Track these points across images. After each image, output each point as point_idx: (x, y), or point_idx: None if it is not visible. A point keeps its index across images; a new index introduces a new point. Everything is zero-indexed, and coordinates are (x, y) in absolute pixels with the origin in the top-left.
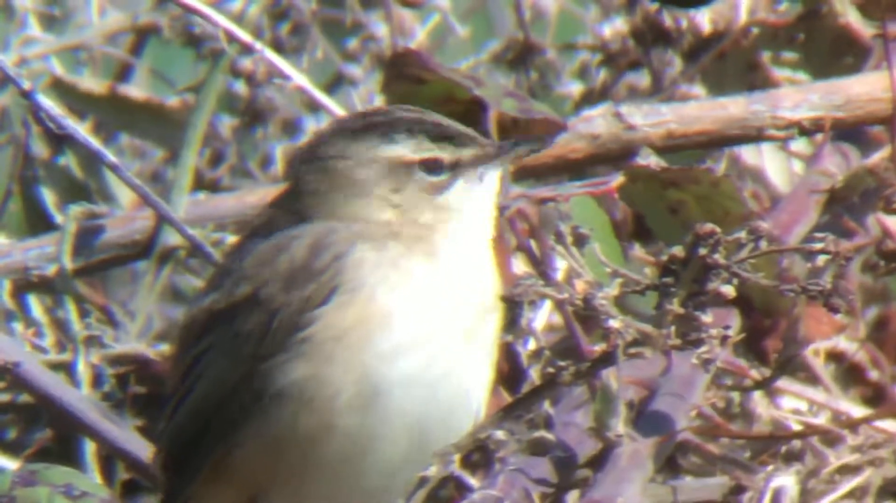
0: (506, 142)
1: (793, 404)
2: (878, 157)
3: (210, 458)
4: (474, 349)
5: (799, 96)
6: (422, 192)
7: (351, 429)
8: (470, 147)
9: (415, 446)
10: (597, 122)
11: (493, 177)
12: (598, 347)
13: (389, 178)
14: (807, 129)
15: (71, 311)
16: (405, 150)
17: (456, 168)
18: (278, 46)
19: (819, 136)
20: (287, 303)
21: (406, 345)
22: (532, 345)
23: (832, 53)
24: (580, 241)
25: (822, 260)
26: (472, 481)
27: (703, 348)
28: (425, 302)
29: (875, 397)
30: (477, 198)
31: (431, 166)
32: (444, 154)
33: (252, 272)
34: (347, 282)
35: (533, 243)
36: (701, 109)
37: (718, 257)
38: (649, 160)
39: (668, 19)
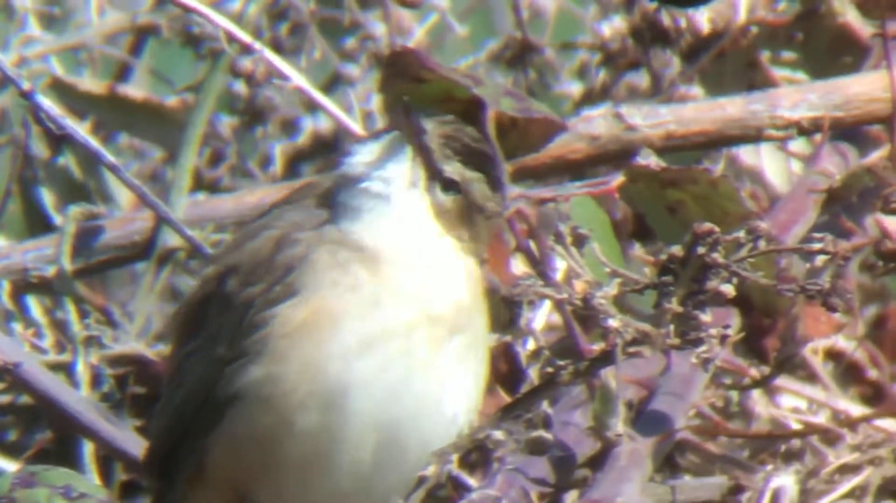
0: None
1: (792, 403)
2: (877, 156)
3: (190, 460)
4: (444, 359)
5: (797, 96)
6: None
7: (310, 428)
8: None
9: (384, 449)
10: (596, 122)
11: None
12: (597, 347)
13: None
14: (805, 129)
15: (70, 312)
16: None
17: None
18: (277, 46)
19: (818, 136)
20: (250, 301)
21: (356, 347)
22: (531, 344)
23: (831, 53)
24: (579, 241)
25: (820, 259)
26: (471, 481)
27: (703, 347)
28: (373, 309)
29: (874, 396)
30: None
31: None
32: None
33: (221, 255)
34: (304, 283)
35: (532, 243)
36: (700, 110)
37: (717, 256)
38: (649, 160)
39: (666, 19)
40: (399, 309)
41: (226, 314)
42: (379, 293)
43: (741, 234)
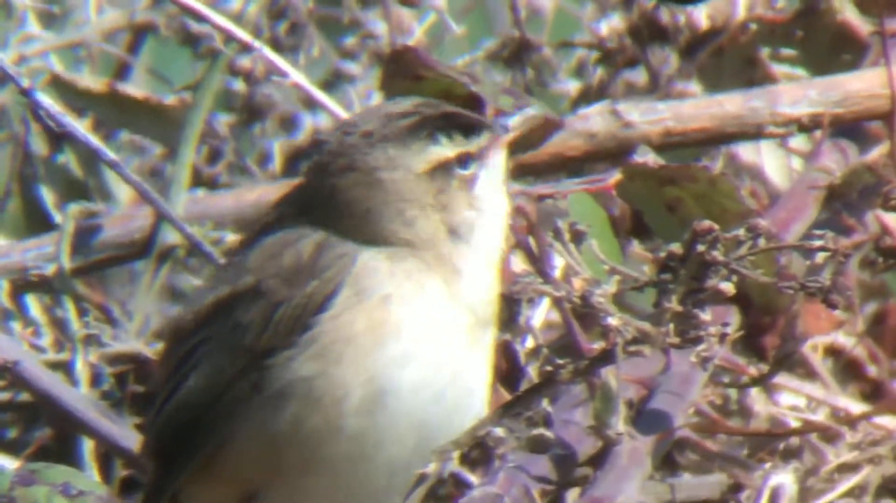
0: (503, 117)
1: (791, 400)
2: (877, 153)
3: (201, 452)
4: (476, 353)
5: (797, 93)
6: (459, 189)
7: (357, 431)
8: (485, 133)
9: (420, 447)
10: (594, 119)
11: (499, 158)
12: (597, 345)
13: (435, 181)
14: (805, 126)
15: (69, 311)
16: (446, 149)
17: (478, 158)
18: (276, 44)
19: (817, 133)
20: (289, 297)
21: (414, 353)
22: (530, 342)
23: (830, 50)
24: (578, 238)
25: (820, 257)
26: (472, 478)
27: (702, 346)
28: (435, 315)
29: (873, 393)
30: (494, 184)
31: (463, 160)
32: (471, 146)
33: (256, 264)
34: (355, 284)
35: (531, 240)
36: (698, 107)
37: (717, 254)
38: (647, 157)
39: (665, 16)
40: (458, 315)
41: (255, 307)
42: (446, 303)
43: (741, 231)
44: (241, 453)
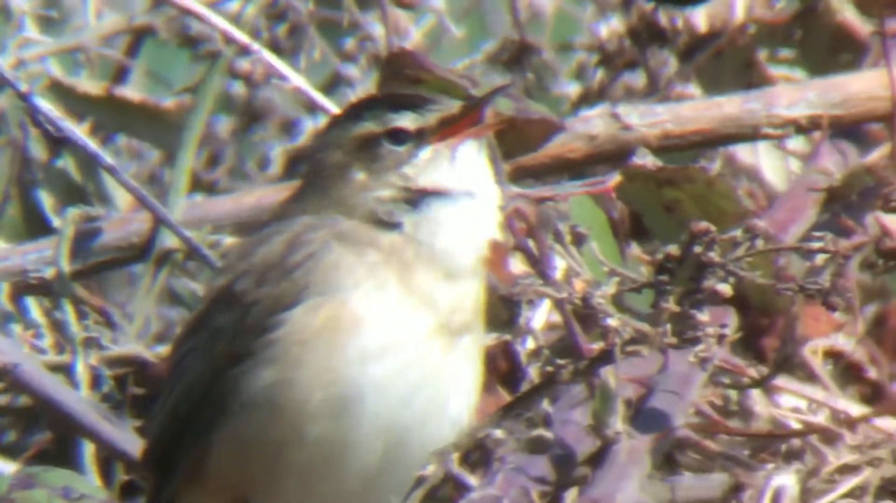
0: (472, 99)
1: (791, 402)
2: (877, 155)
3: (187, 460)
4: (453, 360)
5: (795, 94)
6: (388, 164)
7: (322, 436)
8: (434, 112)
9: (391, 453)
10: (594, 122)
11: (469, 150)
12: (597, 346)
13: (361, 157)
14: (803, 127)
15: (69, 314)
16: (370, 124)
17: (421, 136)
18: (276, 47)
19: (816, 134)
20: (258, 300)
21: (375, 351)
22: (531, 343)
23: (829, 51)
24: (578, 240)
25: (820, 258)
26: (471, 480)
27: (700, 346)
28: (396, 311)
29: (873, 395)
30: (447, 167)
31: (397, 137)
32: (406, 122)
33: (231, 263)
34: (319, 283)
35: (531, 243)
36: (696, 109)
37: (714, 255)
38: (646, 160)
39: (664, 18)
40: (421, 315)
41: (230, 312)
42: (404, 298)
43: (738, 232)
44: (224, 461)
